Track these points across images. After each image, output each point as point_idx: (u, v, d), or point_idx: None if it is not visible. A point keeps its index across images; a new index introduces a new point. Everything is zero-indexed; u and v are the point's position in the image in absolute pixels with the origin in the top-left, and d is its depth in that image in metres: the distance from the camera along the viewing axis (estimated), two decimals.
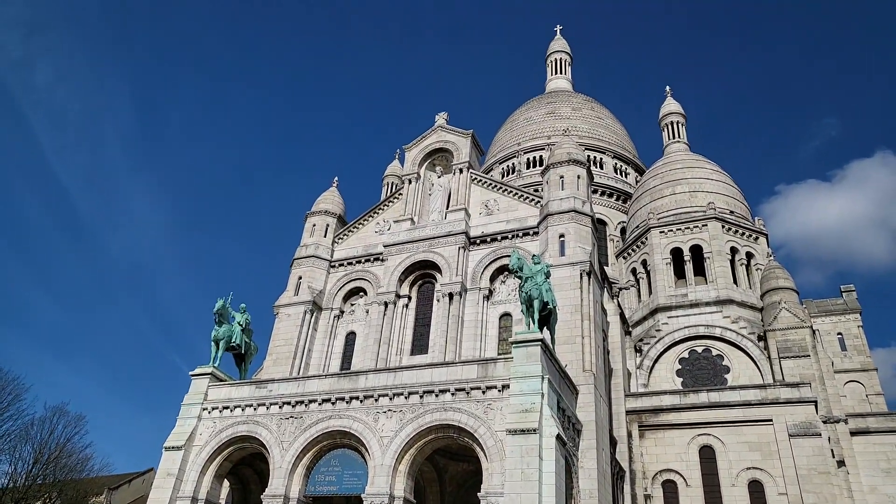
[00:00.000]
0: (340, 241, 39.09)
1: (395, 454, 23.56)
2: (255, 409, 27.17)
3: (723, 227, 41.33)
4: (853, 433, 30.12)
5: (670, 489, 30.87)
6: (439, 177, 38.26)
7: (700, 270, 40.82)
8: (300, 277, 37.38)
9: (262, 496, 25.41)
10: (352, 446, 25.06)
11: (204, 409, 28.21)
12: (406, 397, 24.38)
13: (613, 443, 29.70)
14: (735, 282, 39.98)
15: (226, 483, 29.32)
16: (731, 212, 43.25)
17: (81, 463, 48.08)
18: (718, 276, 39.78)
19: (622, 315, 36.38)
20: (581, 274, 30.09)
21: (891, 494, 27.67)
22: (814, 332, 35.95)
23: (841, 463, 28.88)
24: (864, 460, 29.05)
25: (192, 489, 26.43)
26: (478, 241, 34.48)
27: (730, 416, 30.94)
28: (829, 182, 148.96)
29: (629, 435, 32.17)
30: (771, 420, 30.12)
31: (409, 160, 39.15)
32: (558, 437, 21.90)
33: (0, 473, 43.62)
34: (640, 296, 42.96)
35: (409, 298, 34.95)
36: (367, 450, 24.26)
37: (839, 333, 42.01)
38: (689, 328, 38.05)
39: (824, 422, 30.13)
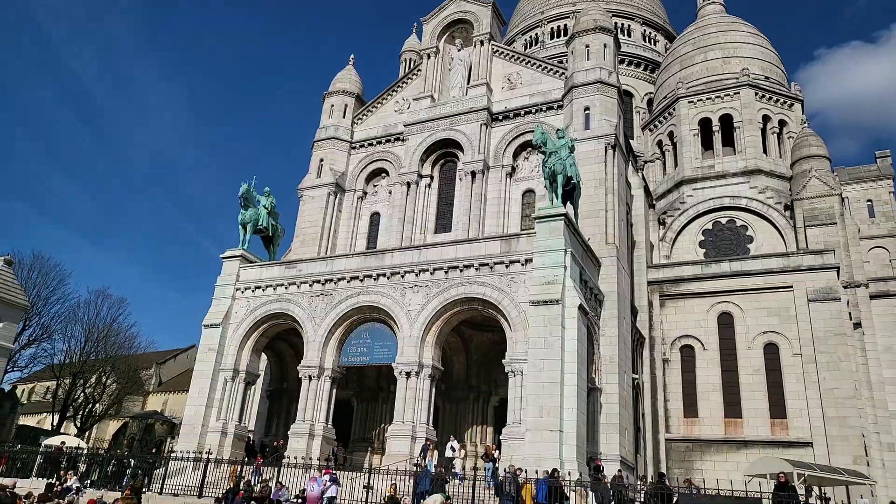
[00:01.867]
0: (360, 121, 38.60)
1: (422, 326, 24.61)
2: (286, 287, 28.26)
3: (756, 94, 39.71)
4: (873, 297, 30.46)
5: (688, 353, 32.05)
6: (459, 50, 36.85)
7: (729, 141, 39.78)
8: (321, 160, 37.37)
9: (298, 367, 27.05)
10: (381, 320, 26.18)
11: (237, 290, 29.43)
12: (431, 273, 25.08)
13: (634, 312, 30.55)
14: (765, 151, 39.01)
15: (263, 357, 31.15)
16: (766, 77, 41.35)
17: (129, 341, 51.17)
18: (748, 145, 38.80)
19: (646, 188, 36.10)
20: (606, 147, 29.60)
21: None
22: (842, 199, 35.45)
23: (857, 325, 29.50)
24: (881, 322, 29.62)
25: (232, 362, 28.18)
26: (500, 117, 33.78)
27: (750, 284, 31.41)
28: (873, 44, 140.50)
29: (650, 304, 32.99)
30: (791, 287, 30.53)
31: (428, 33, 37.63)
32: (580, 307, 22.58)
33: (56, 351, 46.83)
34: (665, 168, 42.33)
35: (432, 178, 34.92)
36: (395, 323, 25.35)
37: (868, 200, 41.33)
38: (714, 199, 37.73)
39: (845, 287, 30.45)
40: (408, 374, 24.35)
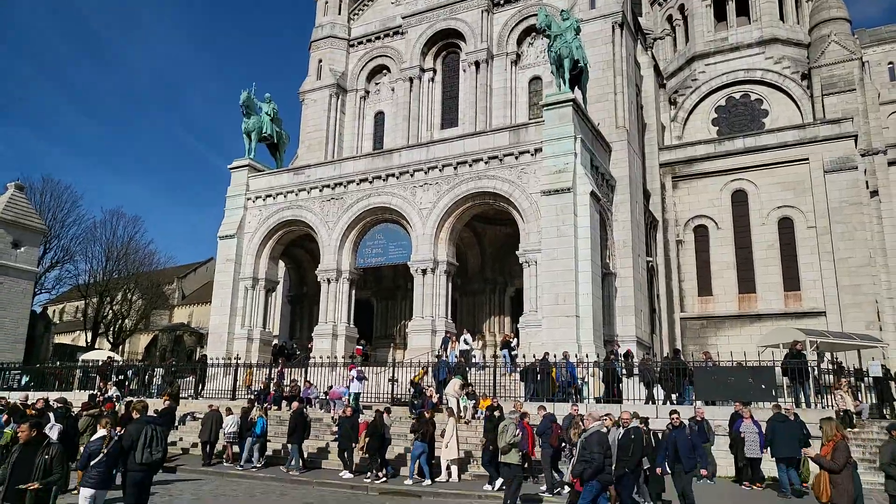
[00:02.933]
0: (356, 17, 36.99)
1: (434, 224, 24.67)
2: (296, 194, 28.21)
3: None
4: (891, 163, 29.82)
5: (701, 233, 32.06)
6: None
7: (744, 9, 37.72)
8: (320, 61, 36.22)
9: (315, 272, 27.50)
10: (393, 220, 26.25)
11: (248, 199, 29.45)
12: (440, 170, 24.82)
13: (647, 195, 30.33)
14: (782, 18, 37.08)
15: (281, 264, 31.64)
16: None
17: (148, 257, 52.10)
18: (764, 13, 36.84)
19: (656, 67, 34.81)
20: (613, 27, 28.30)
21: None
22: (862, 64, 34.00)
23: (874, 193, 29.11)
24: None
25: (251, 271, 28.68)
26: (502, 2, 32.18)
27: (765, 160, 30.83)
28: None
29: (662, 187, 32.67)
30: (807, 159, 29.95)
31: None
32: (592, 193, 22.40)
33: (80, 272, 47.92)
34: (675, 45, 40.56)
35: (434, 72, 33.85)
36: (408, 222, 25.41)
37: (890, 63, 39.57)
38: (728, 74, 36.34)
39: (862, 155, 29.82)
40: (423, 272, 24.69)
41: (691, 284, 31.74)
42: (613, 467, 9.31)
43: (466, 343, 22.49)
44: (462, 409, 17.57)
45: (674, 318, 31.03)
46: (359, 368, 20.29)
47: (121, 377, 24.67)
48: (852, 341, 21.22)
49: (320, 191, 27.57)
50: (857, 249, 28.08)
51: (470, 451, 15.87)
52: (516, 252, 23.38)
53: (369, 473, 14.66)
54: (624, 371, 19.23)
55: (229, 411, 17.75)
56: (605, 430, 9.54)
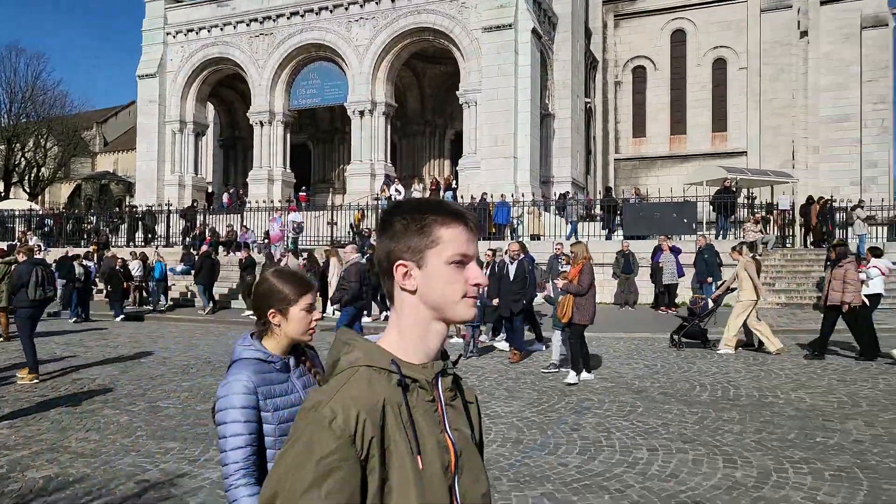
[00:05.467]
0: None
1: (372, 62, 23.73)
2: (221, 29, 26.27)
3: None
4: (823, 2, 29.89)
5: (639, 74, 32.14)
6: None
7: None
8: None
9: (248, 114, 26.42)
10: (328, 58, 25.05)
11: (168, 34, 27.27)
12: (377, 3, 23.45)
13: (588, 34, 29.75)
14: None
15: (210, 106, 30.14)
16: None
17: (60, 99, 48.27)
18: None
19: None
20: None
21: (844, 60, 28.91)
22: None
23: (804, 34, 29.50)
24: (826, 28, 29.58)
25: (177, 113, 27.27)
26: None
27: None
28: None
29: (604, 25, 32.03)
30: None
31: None
32: (533, 30, 21.84)
33: None
34: None
35: None
36: (343, 60, 24.33)
37: None
38: None
39: None
40: (361, 113, 24.12)
41: (627, 126, 32.33)
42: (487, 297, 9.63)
43: (398, 192, 22.50)
44: None
45: (608, 160, 31.88)
46: (296, 210, 20.32)
47: (45, 228, 23.93)
48: (768, 178, 22.58)
49: (247, 25, 25.74)
50: (782, 90, 28.94)
51: None
52: (456, 93, 23.01)
53: None
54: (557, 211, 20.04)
55: (137, 256, 17.33)
56: (363, 260, 9.57)
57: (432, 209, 1.11)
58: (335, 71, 24.99)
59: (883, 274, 10.66)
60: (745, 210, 18.88)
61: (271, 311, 1.95)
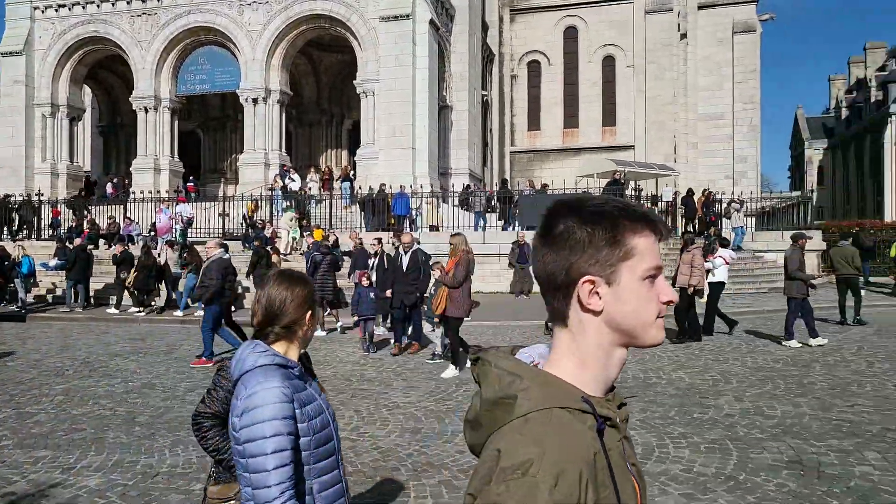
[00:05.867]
0: None
1: (265, 48, 22.92)
2: (97, 6, 24.45)
3: None
4: (700, 7, 31.98)
5: (534, 69, 33.05)
6: None
7: None
8: None
9: (130, 99, 24.82)
10: (219, 43, 23.95)
11: (36, 9, 25.07)
12: None
13: (485, 28, 30.19)
14: None
15: (87, 89, 28.08)
16: None
17: None
18: None
19: None
20: None
21: (719, 62, 31.16)
22: None
23: (683, 36, 31.50)
24: (703, 32, 31.74)
25: (48, 95, 25.16)
26: None
27: None
28: None
29: (500, 19, 32.62)
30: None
31: None
32: (431, 21, 21.89)
33: None
34: None
35: None
36: (235, 46, 23.34)
37: None
38: None
39: None
40: (255, 101, 23.28)
41: (522, 119, 33.15)
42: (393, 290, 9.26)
43: (292, 180, 21.94)
44: (291, 240, 17.64)
45: (504, 152, 32.58)
46: (185, 201, 19.39)
47: None
48: (653, 171, 23.95)
49: (128, 3, 24.11)
50: (665, 88, 30.72)
51: None
52: (354, 82, 22.69)
53: (141, 308, 14.16)
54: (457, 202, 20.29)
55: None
56: (226, 256, 8.99)
57: (622, 213, 0.92)
58: (227, 56, 23.94)
59: (727, 263, 11.12)
60: (634, 202, 19.91)
61: (309, 314, 1.83)
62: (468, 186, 22.41)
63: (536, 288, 8.34)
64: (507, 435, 0.87)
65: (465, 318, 8.11)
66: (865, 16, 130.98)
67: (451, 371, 7.71)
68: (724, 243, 11.96)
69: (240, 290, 13.39)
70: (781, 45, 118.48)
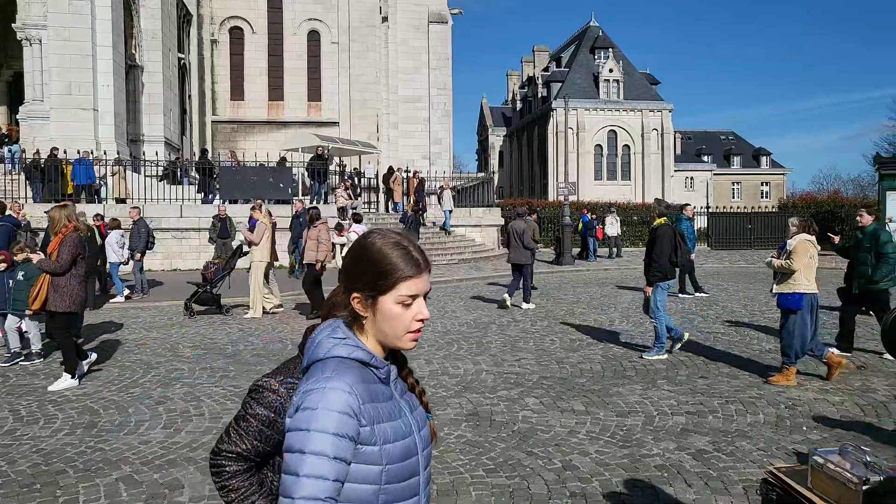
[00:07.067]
0: None
1: None
2: None
3: None
4: None
5: (237, 35, 31.34)
6: None
7: None
8: None
9: None
10: None
11: None
12: None
13: None
14: None
15: None
16: None
17: None
18: None
19: None
20: None
21: (417, 47, 33.34)
22: None
23: (385, 19, 32.91)
24: (402, 17, 33.52)
25: None
26: None
27: None
28: None
29: None
30: None
31: None
32: None
33: None
34: None
35: None
36: None
37: None
38: None
39: None
40: None
41: (224, 87, 31.32)
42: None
43: None
44: None
45: (205, 121, 30.49)
46: None
47: None
48: (356, 148, 24.69)
49: None
50: (368, 68, 31.77)
51: None
52: (13, 25, 19.01)
53: None
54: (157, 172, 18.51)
55: None
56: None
57: None
58: None
59: None
60: (336, 177, 20.33)
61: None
62: (177, 159, 20.57)
63: (242, 263, 7.93)
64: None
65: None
66: (537, 20, 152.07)
67: (62, 382, 6.07)
68: (358, 219, 12.39)
69: None
70: (470, 39, 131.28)
